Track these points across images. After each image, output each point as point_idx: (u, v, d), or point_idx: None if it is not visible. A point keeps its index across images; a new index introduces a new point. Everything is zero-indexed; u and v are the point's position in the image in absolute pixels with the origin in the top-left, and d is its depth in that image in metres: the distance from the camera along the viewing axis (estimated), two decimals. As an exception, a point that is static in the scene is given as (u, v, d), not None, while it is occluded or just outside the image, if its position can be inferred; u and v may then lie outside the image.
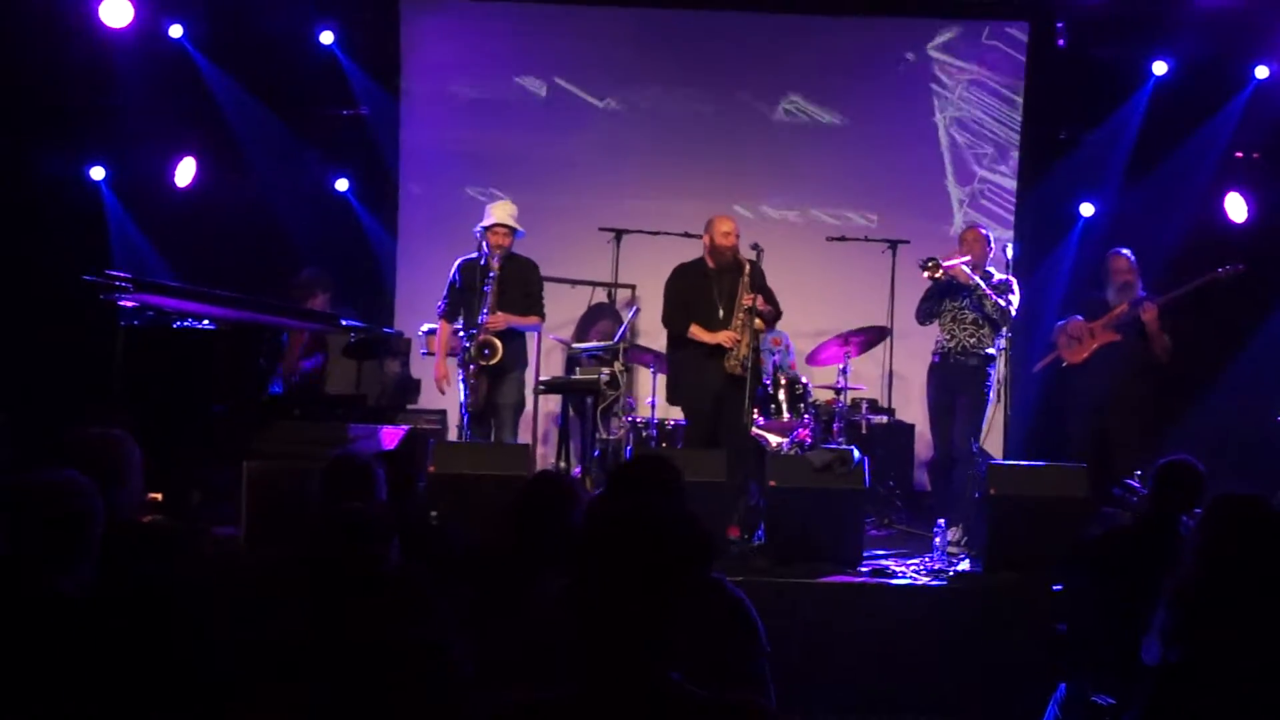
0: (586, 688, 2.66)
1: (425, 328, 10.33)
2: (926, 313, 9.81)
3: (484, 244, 9.56)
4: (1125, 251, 10.18)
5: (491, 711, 2.76)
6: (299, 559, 4.05)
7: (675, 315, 9.40)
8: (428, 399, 10.61)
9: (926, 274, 9.55)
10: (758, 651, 4.21)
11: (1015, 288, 9.70)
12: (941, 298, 9.71)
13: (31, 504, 3.74)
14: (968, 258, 9.59)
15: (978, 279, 9.53)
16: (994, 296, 9.50)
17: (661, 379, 10.07)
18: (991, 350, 9.60)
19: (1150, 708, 4.48)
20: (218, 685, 3.59)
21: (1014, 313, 9.67)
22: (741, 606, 4.22)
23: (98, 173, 11.75)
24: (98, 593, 3.72)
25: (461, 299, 9.67)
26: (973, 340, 9.56)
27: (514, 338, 9.60)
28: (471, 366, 9.44)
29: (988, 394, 9.55)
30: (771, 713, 2.81)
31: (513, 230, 9.54)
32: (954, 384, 9.62)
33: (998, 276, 9.75)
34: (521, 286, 9.65)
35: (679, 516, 2.79)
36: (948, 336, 9.68)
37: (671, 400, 9.54)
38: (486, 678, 3.69)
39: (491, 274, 9.44)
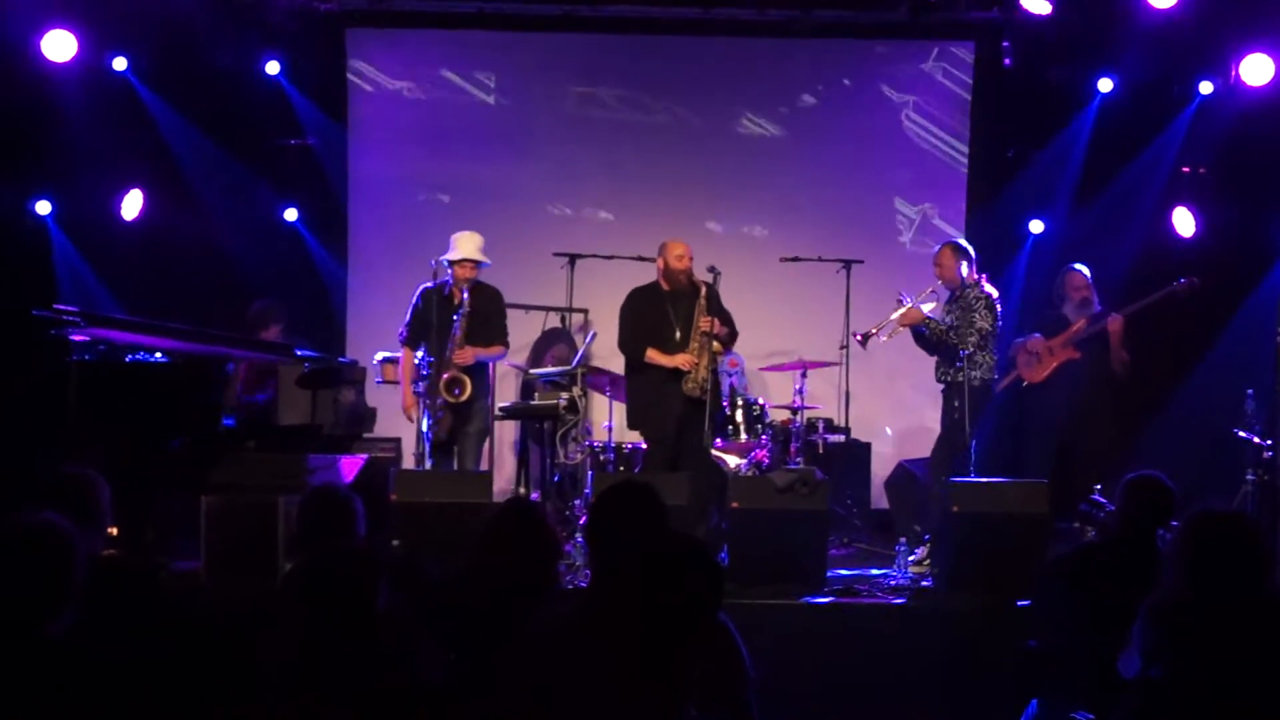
0: None
1: (379, 356, 10.15)
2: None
3: (449, 275, 9.46)
4: (1080, 267, 10.23)
5: None
6: (279, 597, 3.97)
7: (632, 339, 9.40)
8: (382, 427, 10.54)
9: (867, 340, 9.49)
10: (744, 677, 4.18)
11: (984, 305, 9.43)
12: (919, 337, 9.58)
13: (14, 549, 3.66)
14: (898, 318, 9.39)
15: (926, 317, 9.35)
16: (947, 334, 9.30)
17: (618, 403, 10.03)
18: (978, 372, 9.31)
19: (1134, 722, 4.48)
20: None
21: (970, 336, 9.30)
22: (726, 630, 4.19)
23: (43, 207, 11.56)
24: (85, 634, 3.65)
25: (424, 328, 9.55)
26: (950, 368, 9.37)
27: (480, 368, 9.53)
28: (440, 400, 9.33)
29: (958, 416, 9.17)
30: None
31: (478, 264, 9.45)
32: (951, 403, 9.37)
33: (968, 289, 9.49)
34: (487, 317, 9.55)
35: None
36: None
37: (632, 425, 9.52)
38: (484, 710, 3.62)
39: (461, 309, 9.33)
